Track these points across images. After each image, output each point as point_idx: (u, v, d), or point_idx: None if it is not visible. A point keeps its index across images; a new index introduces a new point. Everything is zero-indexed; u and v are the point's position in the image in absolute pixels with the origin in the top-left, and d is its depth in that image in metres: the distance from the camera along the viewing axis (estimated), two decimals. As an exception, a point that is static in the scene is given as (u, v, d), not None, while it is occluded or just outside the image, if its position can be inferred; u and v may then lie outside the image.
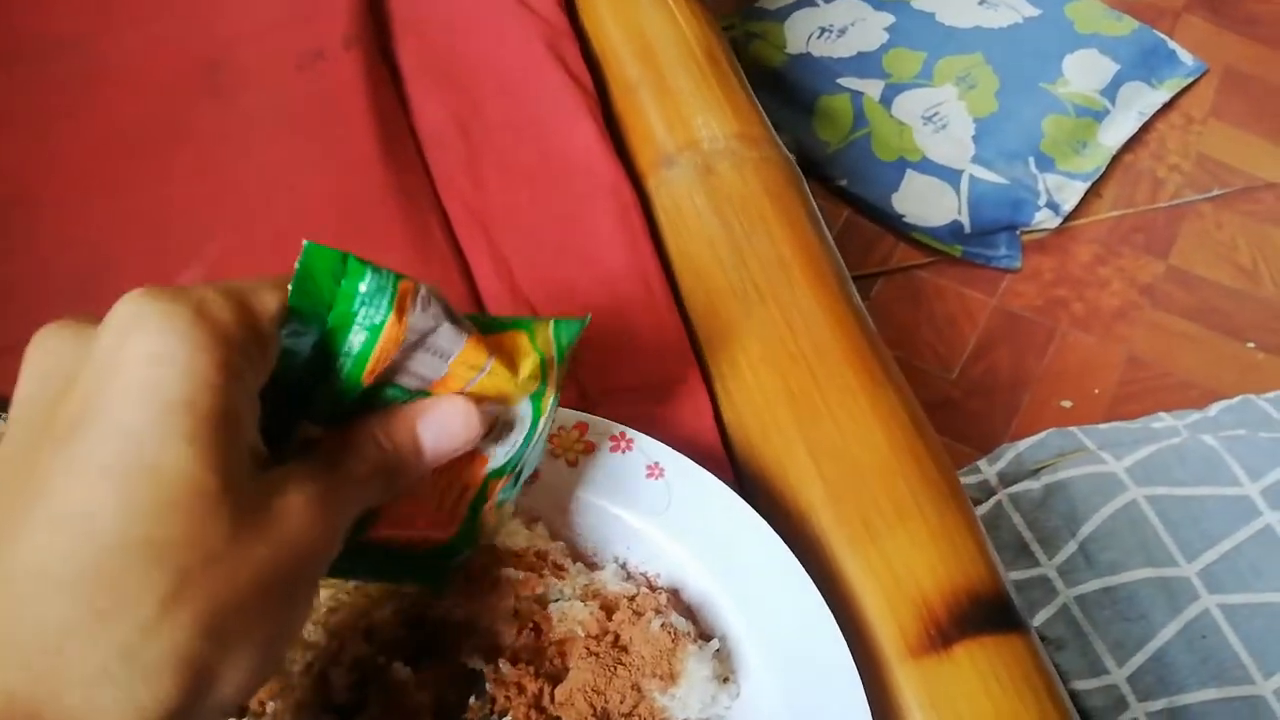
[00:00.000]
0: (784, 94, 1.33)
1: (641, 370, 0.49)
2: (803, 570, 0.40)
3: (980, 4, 1.40)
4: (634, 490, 0.42)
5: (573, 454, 0.43)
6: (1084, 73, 1.33)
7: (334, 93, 0.55)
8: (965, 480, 1.02)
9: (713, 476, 0.42)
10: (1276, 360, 1.16)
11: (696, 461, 0.43)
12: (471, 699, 0.36)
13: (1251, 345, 1.17)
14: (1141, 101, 1.35)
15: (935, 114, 1.28)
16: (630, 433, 0.43)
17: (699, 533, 0.41)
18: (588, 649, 0.37)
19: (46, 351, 0.26)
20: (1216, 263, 1.24)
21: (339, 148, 0.54)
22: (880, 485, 0.45)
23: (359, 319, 0.27)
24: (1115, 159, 1.30)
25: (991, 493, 1.00)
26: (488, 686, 0.36)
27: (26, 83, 0.57)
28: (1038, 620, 0.92)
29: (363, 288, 0.26)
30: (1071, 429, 1.04)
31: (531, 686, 0.36)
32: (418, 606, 0.38)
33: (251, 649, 0.24)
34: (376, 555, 0.33)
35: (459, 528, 0.35)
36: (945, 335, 1.17)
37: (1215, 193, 1.30)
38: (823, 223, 0.57)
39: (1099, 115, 1.31)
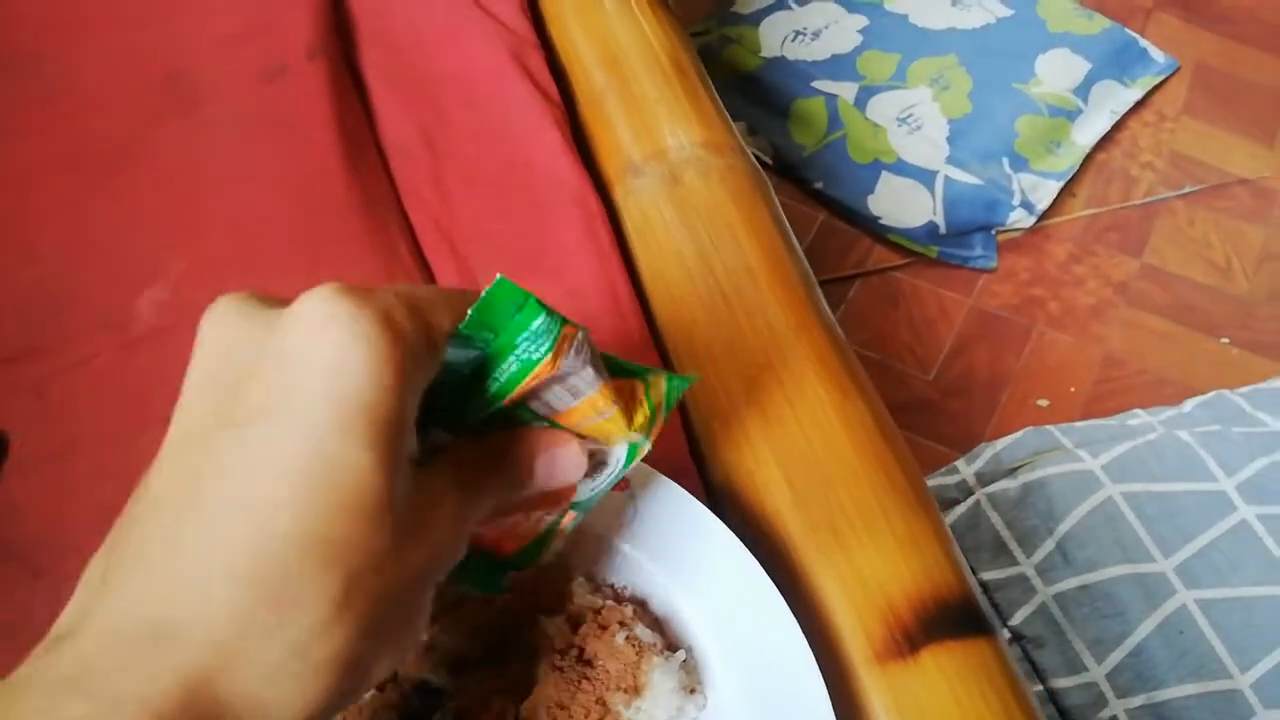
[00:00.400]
0: (759, 97, 1.33)
1: (609, 380, 0.49)
2: (769, 580, 0.40)
3: (953, 5, 1.41)
4: (600, 502, 0.42)
5: (538, 467, 0.43)
6: (1057, 72, 1.34)
7: (297, 105, 0.55)
8: (943, 480, 1.03)
9: (679, 487, 0.42)
10: (1250, 356, 1.17)
11: (663, 472, 0.43)
12: (435, 716, 0.36)
13: (1226, 341, 1.18)
14: (1114, 100, 1.36)
15: (910, 115, 1.29)
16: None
17: (666, 545, 0.41)
18: (552, 664, 0.37)
19: (225, 328, 0.26)
20: (1190, 260, 1.25)
21: (302, 160, 0.54)
22: (847, 493, 0.45)
23: (518, 351, 0.28)
24: (1088, 158, 1.31)
25: (970, 492, 1.00)
26: (450, 703, 0.36)
27: (-14, 100, 0.56)
28: (1016, 619, 0.93)
29: (534, 325, 0.28)
30: (1048, 427, 1.04)
31: (495, 702, 0.36)
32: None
33: (394, 647, 0.26)
34: None
35: (526, 546, 0.36)
36: (922, 336, 1.17)
37: (1188, 190, 1.31)
38: (790, 230, 0.57)
39: (1072, 114, 1.32)
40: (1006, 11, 1.40)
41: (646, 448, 0.34)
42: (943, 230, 1.21)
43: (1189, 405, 1.08)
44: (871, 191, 1.25)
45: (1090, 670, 0.90)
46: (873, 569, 0.43)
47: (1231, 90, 1.41)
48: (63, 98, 0.57)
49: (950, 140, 1.26)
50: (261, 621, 0.22)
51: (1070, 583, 0.93)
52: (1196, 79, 1.42)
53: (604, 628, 0.38)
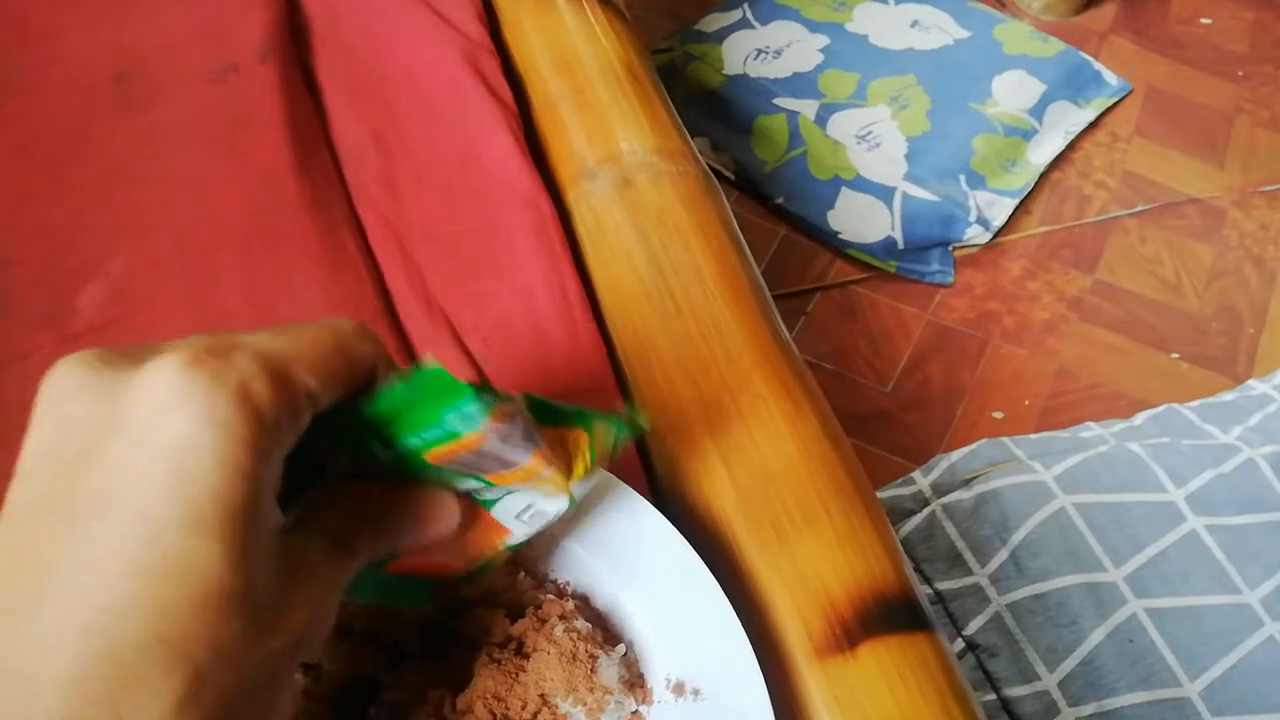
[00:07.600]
0: (722, 114, 1.34)
1: (558, 379, 0.49)
2: (709, 574, 0.40)
3: (912, 26, 1.43)
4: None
5: (481, 462, 0.43)
6: (1012, 93, 1.36)
7: (247, 105, 0.55)
8: (900, 491, 1.03)
9: (624, 484, 0.42)
10: (1200, 370, 1.19)
11: (608, 468, 0.43)
12: (370, 709, 0.36)
13: (1175, 356, 1.20)
14: (1068, 120, 1.39)
15: (869, 133, 1.31)
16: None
17: (608, 539, 0.41)
18: (490, 655, 0.36)
19: (66, 396, 0.24)
20: (1141, 276, 1.27)
21: (251, 160, 0.53)
22: (789, 489, 0.45)
23: (444, 423, 0.27)
24: (1043, 176, 1.34)
25: (925, 503, 1.01)
26: (386, 695, 0.36)
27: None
28: (971, 628, 0.94)
29: (465, 407, 0.27)
30: (1003, 439, 1.06)
31: (432, 695, 0.36)
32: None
33: None
34: (374, 583, 0.33)
35: (460, 574, 0.36)
36: (880, 349, 1.19)
37: (1140, 208, 1.33)
38: (740, 236, 0.57)
39: (1027, 134, 1.34)
40: (964, 33, 1.43)
41: (581, 492, 0.34)
42: (901, 246, 1.23)
43: (1140, 418, 1.10)
44: (831, 207, 1.26)
45: (1043, 679, 0.90)
46: (813, 564, 0.43)
47: (1182, 112, 1.45)
48: (10, 96, 0.56)
49: (909, 158, 1.28)
50: None
51: (1023, 592, 0.94)
52: (1149, 101, 1.45)
53: (543, 620, 0.38)
